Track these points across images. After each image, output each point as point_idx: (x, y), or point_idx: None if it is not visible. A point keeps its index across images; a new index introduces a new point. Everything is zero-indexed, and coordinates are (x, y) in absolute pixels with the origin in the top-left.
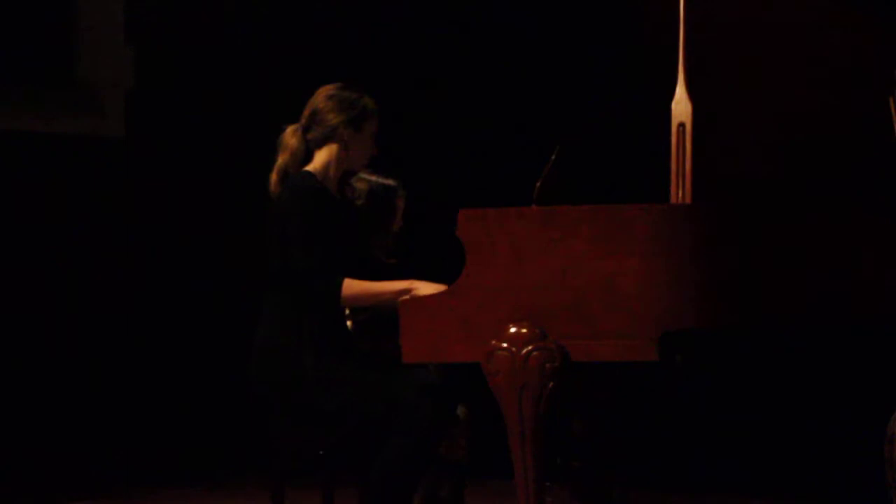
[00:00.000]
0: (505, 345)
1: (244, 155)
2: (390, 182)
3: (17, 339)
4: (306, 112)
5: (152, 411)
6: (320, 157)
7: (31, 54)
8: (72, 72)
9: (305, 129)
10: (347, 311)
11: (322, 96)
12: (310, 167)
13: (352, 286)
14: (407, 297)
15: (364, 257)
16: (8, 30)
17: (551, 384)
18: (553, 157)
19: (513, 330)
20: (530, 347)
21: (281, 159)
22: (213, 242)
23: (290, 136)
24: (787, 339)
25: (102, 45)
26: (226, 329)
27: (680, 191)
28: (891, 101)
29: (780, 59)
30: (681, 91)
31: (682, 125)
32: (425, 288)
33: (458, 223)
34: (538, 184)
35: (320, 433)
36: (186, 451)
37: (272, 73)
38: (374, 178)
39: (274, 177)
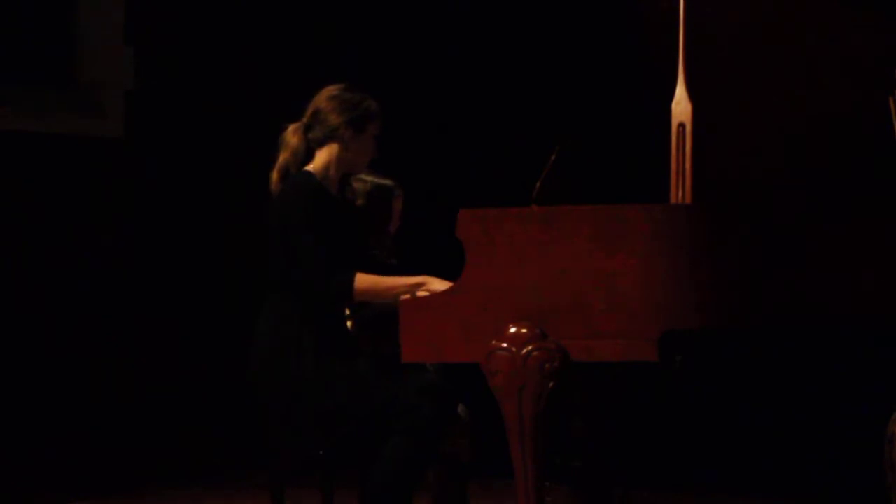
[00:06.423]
0: (505, 345)
1: (244, 154)
2: (387, 182)
3: (17, 339)
4: (309, 111)
5: (153, 411)
6: (321, 157)
7: (31, 54)
8: (72, 72)
9: (307, 128)
10: (348, 312)
11: (325, 96)
12: (310, 167)
13: (364, 279)
14: (420, 291)
15: (364, 257)
16: (8, 30)
17: (551, 384)
18: (552, 157)
19: (513, 330)
20: (530, 347)
21: (282, 158)
22: (213, 242)
23: (292, 135)
24: (787, 339)
25: (102, 45)
26: (226, 329)
27: (680, 191)
28: (891, 101)
29: (780, 59)
30: (681, 91)
31: (682, 125)
32: (438, 284)
33: (458, 223)
34: (538, 184)
35: (320, 433)
36: (186, 450)
37: (272, 73)
38: (371, 178)
39: (274, 175)
